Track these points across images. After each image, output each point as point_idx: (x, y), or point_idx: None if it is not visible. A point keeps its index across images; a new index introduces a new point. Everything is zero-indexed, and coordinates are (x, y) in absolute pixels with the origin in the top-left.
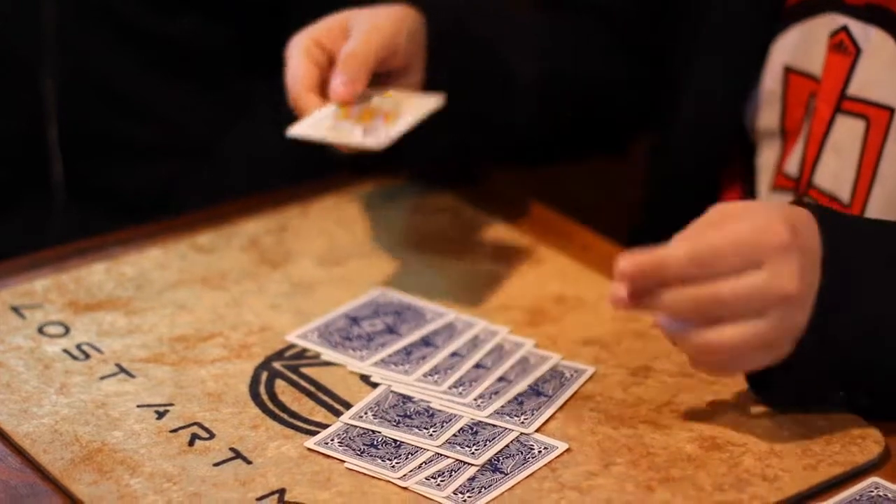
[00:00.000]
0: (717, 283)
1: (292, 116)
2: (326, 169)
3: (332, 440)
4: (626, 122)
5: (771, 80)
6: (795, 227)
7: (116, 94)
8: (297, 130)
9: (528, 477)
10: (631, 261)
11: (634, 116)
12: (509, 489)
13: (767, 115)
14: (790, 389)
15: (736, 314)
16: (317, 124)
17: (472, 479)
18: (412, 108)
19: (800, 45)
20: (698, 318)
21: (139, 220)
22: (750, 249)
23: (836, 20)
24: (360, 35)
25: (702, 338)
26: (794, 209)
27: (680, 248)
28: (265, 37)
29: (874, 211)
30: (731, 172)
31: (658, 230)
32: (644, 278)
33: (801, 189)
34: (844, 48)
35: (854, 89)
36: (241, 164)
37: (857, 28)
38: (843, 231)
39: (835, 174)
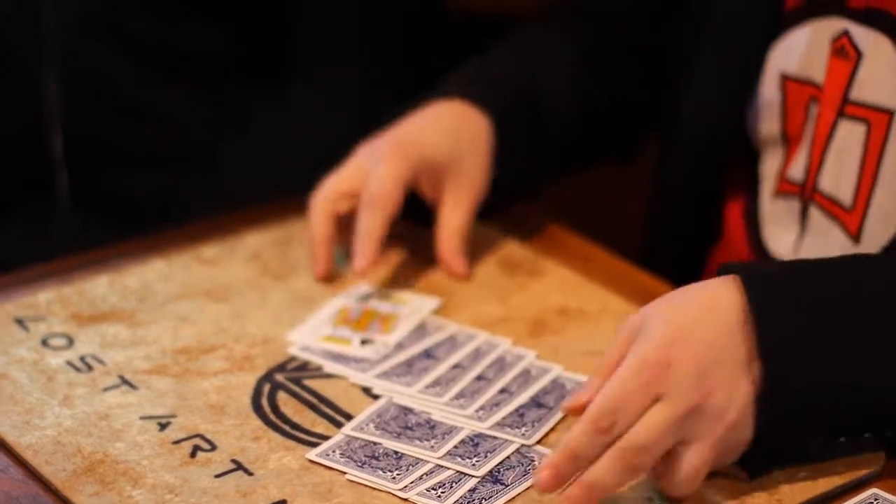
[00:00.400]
0: (631, 433)
1: (293, 117)
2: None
3: (334, 452)
4: (632, 125)
5: (769, 88)
6: (672, 341)
7: (118, 99)
8: (295, 337)
9: (528, 488)
10: (546, 472)
11: (639, 120)
12: (510, 501)
13: (768, 123)
14: (768, 456)
15: (667, 447)
16: (314, 331)
17: (472, 490)
18: (410, 312)
19: (799, 51)
20: (639, 470)
21: (142, 225)
22: (639, 386)
23: (837, 25)
24: (460, 206)
25: (662, 483)
26: (682, 305)
27: (578, 428)
28: (268, 42)
29: (876, 214)
30: (734, 180)
31: (662, 238)
32: (568, 475)
33: (805, 193)
34: (846, 53)
35: (855, 93)
36: (243, 168)
37: (858, 32)
38: (765, 290)
39: (837, 178)
